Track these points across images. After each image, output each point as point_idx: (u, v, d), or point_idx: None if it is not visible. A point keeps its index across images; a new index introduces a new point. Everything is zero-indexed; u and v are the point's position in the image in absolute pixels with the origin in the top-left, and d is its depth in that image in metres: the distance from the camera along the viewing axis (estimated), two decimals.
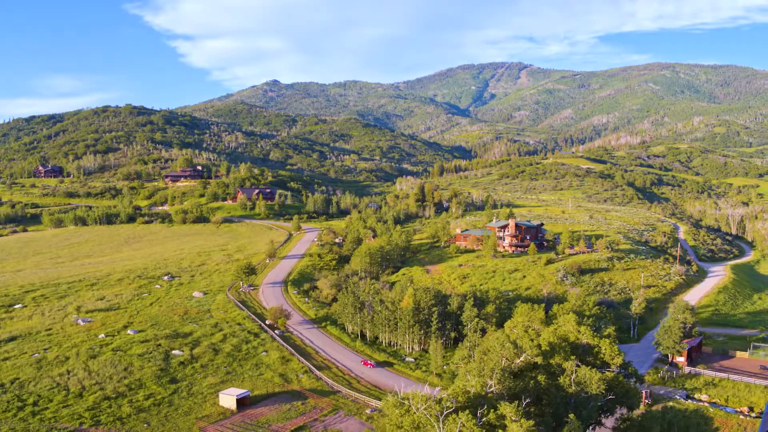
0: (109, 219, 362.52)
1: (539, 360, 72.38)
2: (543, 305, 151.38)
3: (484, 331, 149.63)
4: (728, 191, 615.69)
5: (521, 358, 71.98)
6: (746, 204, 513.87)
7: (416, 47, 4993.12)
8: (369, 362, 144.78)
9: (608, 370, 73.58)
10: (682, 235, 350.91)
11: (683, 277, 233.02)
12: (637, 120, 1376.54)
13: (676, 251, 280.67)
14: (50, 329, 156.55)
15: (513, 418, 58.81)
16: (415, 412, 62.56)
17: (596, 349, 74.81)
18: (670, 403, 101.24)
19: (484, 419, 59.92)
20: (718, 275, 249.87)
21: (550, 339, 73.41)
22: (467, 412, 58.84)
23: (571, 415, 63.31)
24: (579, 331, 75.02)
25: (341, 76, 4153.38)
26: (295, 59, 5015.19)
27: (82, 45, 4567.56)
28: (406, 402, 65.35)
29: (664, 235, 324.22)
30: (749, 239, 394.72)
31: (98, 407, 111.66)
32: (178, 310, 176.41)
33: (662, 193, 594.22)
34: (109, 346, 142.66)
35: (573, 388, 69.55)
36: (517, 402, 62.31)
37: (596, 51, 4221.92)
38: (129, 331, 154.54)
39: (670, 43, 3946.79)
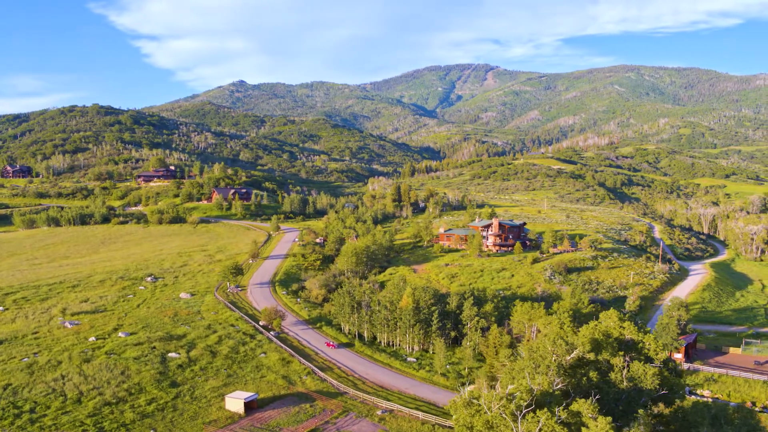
0: (83, 219, 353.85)
1: (591, 356, 71.19)
2: (542, 303, 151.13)
3: (484, 330, 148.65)
4: (696, 191, 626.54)
5: (572, 355, 70.70)
6: (716, 204, 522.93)
7: (382, 48, 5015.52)
8: (332, 343, 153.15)
9: (651, 365, 72.78)
10: (657, 234, 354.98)
11: (667, 275, 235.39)
12: (603, 121, 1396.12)
13: (658, 250, 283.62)
14: (37, 332, 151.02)
15: (590, 415, 57.36)
16: (486, 412, 60.55)
17: (640, 344, 74.01)
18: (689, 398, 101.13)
19: (563, 417, 58.36)
20: (700, 273, 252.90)
21: (594, 335, 72.32)
22: (545, 409, 57.21)
23: (641, 411, 62.23)
24: (623, 327, 74.14)
25: (307, 77, 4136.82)
26: (260, 60, 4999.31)
27: (46, 44, 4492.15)
28: (475, 401, 63.33)
29: (642, 234, 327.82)
30: (721, 238, 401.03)
31: (99, 413, 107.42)
32: (168, 311, 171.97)
33: (633, 193, 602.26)
34: (101, 350, 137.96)
35: (625, 383, 68.57)
36: (591, 398, 60.98)
37: (561, 53, 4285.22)
38: (120, 334, 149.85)
39: (634, 45, 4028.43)
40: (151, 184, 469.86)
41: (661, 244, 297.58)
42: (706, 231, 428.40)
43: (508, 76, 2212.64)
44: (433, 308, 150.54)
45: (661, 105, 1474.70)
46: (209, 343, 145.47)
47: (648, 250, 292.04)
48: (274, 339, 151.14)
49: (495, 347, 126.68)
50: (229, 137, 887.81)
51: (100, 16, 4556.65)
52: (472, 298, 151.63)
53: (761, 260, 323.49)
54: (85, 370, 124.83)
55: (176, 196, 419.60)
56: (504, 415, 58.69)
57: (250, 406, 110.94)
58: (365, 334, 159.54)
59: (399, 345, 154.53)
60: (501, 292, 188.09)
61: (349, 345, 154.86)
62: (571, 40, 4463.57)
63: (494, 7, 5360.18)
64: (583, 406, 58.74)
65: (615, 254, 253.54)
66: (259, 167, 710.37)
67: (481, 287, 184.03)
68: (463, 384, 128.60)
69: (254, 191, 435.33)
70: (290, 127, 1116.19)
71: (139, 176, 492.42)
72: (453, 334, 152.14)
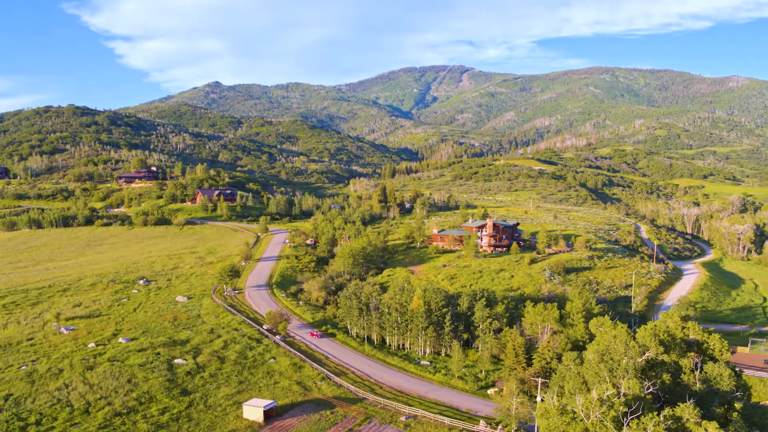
0: (66, 221, 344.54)
1: (665, 357, 68.50)
2: (555, 304, 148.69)
3: (497, 332, 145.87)
4: (675, 192, 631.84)
5: (644, 357, 67.89)
6: (697, 204, 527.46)
7: (355, 50, 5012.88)
8: (315, 333, 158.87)
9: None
10: (645, 234, 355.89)
11: (663, 275, 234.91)
12: (578, 123, 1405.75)
13: (649, 250, 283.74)
14: (32, 339, 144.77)
15: (694, 420, 54.54)
16: (582, 420, 57.07)
17: (704, 344, 71.55)
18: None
19: (669, 423, 55.29)
20: (694, 273, 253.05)
21: (657, 336, 69.62)
22: (651, 415, 54.15)
23: (734, 414, 59.69)
24: (685, 327, 71.59)
25: (282, 78, 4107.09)
26: (235, 61, 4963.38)
27: (18, 45, 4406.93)
28: (569, 407, 59.93)
29: (631, 235, 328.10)
30: (706, 238, 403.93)
31: (111, 424, 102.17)
32: (166, 315, 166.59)
33: (614, 194, 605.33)
34: (103, 356, 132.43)
35: (698, 385, 65.99)
36: (693, 403, 58.14)
37: (535, 55, 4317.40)
38: (120, 339, 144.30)
39: (608, 47, 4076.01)
40: (133, 185, 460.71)
41: (654, 245, 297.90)
42: (689, 231, 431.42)
43: (483, 78, 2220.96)
44: (445, 310, 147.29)
45: (636, 106, 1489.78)
46: (215, 348, 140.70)
47: (639, 250, 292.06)
48: (282, 343, 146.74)
49: (514, 349, 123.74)
50: (207, 138, 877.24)
51: (74, 16, 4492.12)
52: (483, 299, 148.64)
53: (748, 260, 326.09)
54: (90, 379, 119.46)
55: (159, 197, 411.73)
56: (605, 423, 55.34)
57: (269, 414, 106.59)
58: (374, 337, 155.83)
59: (410, 348, 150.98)
60: (505, 293, 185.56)
61: (331, 335, 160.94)
62: (545, 42, 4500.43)
63: (464, 9, 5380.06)
64: (685, 410, 55.91)
65: (610, 254, 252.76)
66: (239, 168, 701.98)
67: (483, 288, 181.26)
68: (482, 387, 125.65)
69: (239, 192, 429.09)
70: (268, 128, 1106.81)
71: (120, 177, 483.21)
72: (466, 336, 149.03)
